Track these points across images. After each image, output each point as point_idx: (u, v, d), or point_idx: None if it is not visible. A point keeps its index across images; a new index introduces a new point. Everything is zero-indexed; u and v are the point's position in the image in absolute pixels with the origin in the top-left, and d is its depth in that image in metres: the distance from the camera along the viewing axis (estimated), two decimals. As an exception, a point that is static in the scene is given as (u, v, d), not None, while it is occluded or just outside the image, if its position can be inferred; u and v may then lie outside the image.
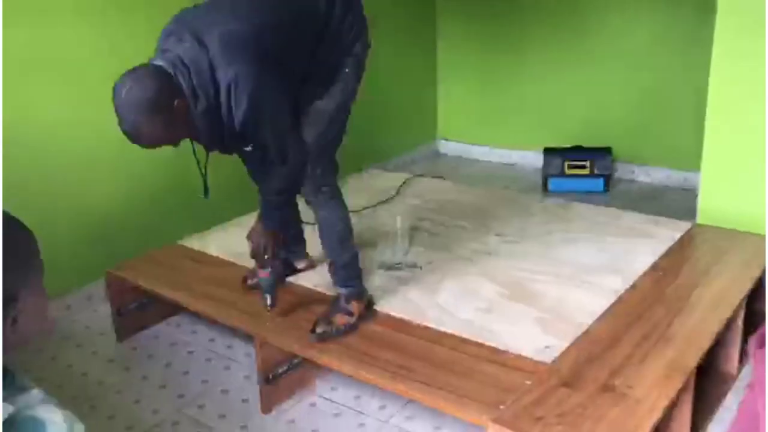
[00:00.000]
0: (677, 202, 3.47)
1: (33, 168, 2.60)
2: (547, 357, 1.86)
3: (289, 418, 2.09)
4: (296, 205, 2.33)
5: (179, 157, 3.09)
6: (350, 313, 2.07)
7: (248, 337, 2.28)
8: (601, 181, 3.77)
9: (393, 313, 2.13)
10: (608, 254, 2.46)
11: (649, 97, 3.81)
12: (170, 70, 1.70)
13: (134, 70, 1.70)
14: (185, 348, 2.50)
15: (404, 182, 3.32)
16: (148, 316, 2.61)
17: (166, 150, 3.02)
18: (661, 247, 2.47)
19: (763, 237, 2.50)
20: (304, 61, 1.90)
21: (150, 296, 2.51)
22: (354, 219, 2.83)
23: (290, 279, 2.38)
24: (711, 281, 2.22)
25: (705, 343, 1.88)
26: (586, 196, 3.55)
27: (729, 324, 2.05)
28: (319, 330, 2.02)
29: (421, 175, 3.52)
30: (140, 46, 2.88)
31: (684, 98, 3.59)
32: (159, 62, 1.73)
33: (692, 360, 1.80)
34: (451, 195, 3.15)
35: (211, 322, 2.50)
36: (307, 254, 2.47)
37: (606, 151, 3.81)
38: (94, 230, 2.82)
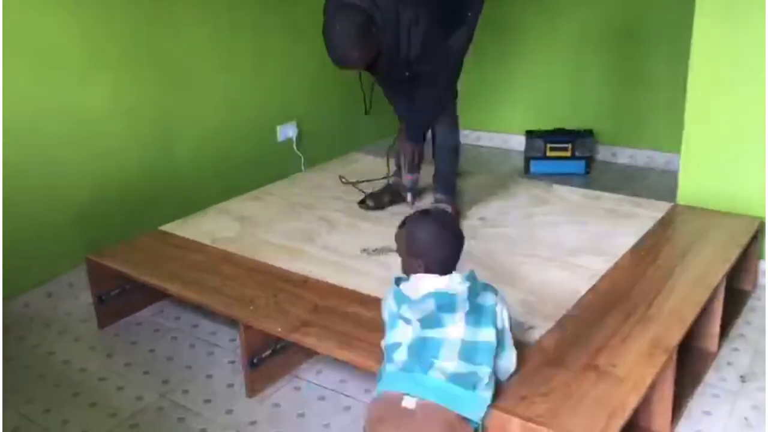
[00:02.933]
0: (658, 184, 3.50)
1: (9, 155, 2.56)
2: (531, 338, 1.87)
3: (274, 402, 2.09)
4: None
5: (159, 144, 3.08)
6: (453, 212, 2.55)
7: (232, 322, 2.27)
8: (582, 163, 3.80)
9: (377, 296, 2.13)
10: (590, 235, 2.47)
11: (631, 79, 3.82)
12: (365, 6, 2.16)
13: (337, 11, 2.16)
14: (168, 334, 2.49)
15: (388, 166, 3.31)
16: (130, 303, 2.59)
17: (146, 136, 3.03)
18: (642, 228, 2.49)
19: (742, 217, 2.53)
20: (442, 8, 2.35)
21: (132, 282, 2.49)
22: (338, 204, 2.86)
23: (272, 262, 2.37)
24: (691, 261, 2.24)
25: (686, 321, 1.90)
26: (568, 178, 3.57)
27: (709, 302, 2.07)
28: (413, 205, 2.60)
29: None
30: (115, 31, 2.87)
31: (665, 80, 3.61)
32: (355, 1, 2.16)
33: (674, 338, 1.82)
34: (430, 178, 3.14)
35: (195, 308, 2.49)
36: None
37: (587, 134, 3.82)
38: (74, 216, 2.79)
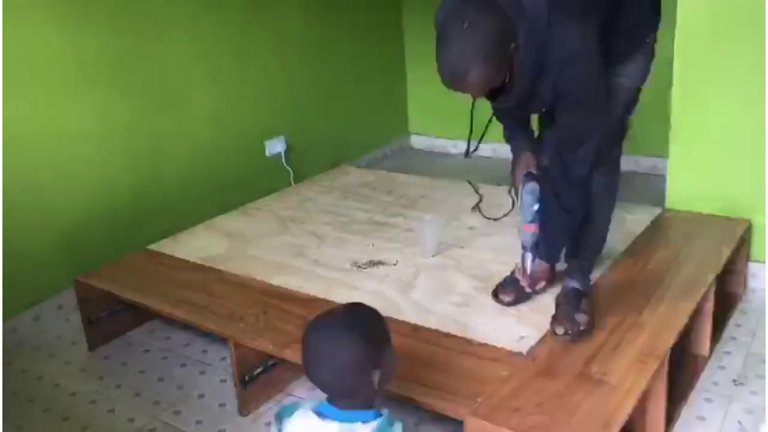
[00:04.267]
0: (646, 188, 3.49)
1: (-5, 177, 2.55)
2: (523, 347, 1.86)
3: (267, 420, 2.07)
4: None
5: (146, 162, 3.07)
6: (586, 313, 1.83)
7: (223, 341, 2.26)
8: (571, 170, 3.80)
9: (368, 310, 2.12)
10: (580, 243, 2.47)
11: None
12: (503, 6, 1.47)
13: (471, 4, 1.47)
14: (159, 354, 2.47)
15: (375, 178, 3.32)
16: (120, 324, 2.57)
17: (134, 155, 3.01)
18: (632, 234, 2.50)
19: (730, 219, 2.54)
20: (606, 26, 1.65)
21: (121, 303, 2.47)
22: (327, 218, 2.86)
23: (261, 278, 2.36)
24: (681, 265, 2.24)
25: (677, 327, 1.90)
26: (557, 185, 3.57)
27: (700, 307, 2.07)
28: (559, 332, 1.80)
29: (392, 171, 3.52)
30: (102, 49, 2.86)
31: (650, 86, 3.62)
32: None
33: (665, 344, 1.82)
34: (422, 190, 3.15)
35: (185, 327, 2.47)
36: None
37: (575, 141, 3.83)
38: (62, 237, 2.77)
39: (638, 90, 1.87)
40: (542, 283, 1.91)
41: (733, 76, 2.50)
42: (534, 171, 1.87)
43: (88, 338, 2.51)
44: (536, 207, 1.82)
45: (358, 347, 1.30)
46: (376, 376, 1.31)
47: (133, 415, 2.13)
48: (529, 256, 1.87)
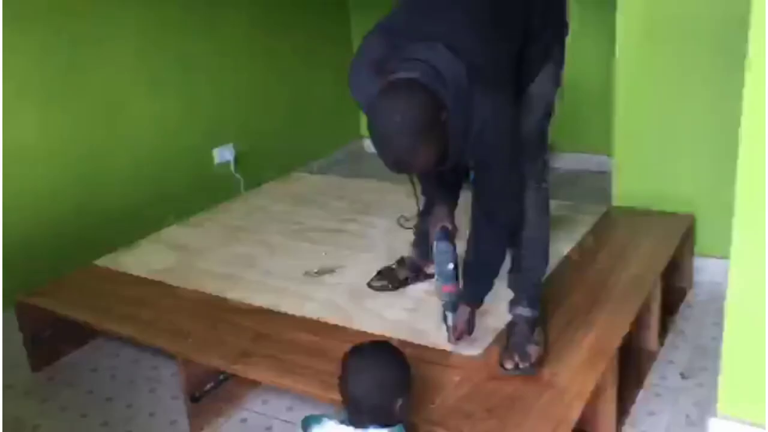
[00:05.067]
0: (592, 186, 3.55)
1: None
2: (475, 350, 1.86)
3: (220, 436, 2.04)
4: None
5: (89, 174, 2.98)
6: (538, 343, 1.78)
7: (173, 356, 2.20)
8: (520, 170, 3.83)
9: (320, 319, 2.10)
10: (529, 243, 2.49)
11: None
12: (425, 81, 1.43)
13: (394, 89, 1.43)
14: (107, 372, 2.40)
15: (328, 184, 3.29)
16: (65, 343, 2.49)
17: (76, 169, 2.92)
18: (579, 233, 2.53)
19: (675, 214, 2.59)
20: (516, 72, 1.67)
21: (66, 321, 2.39)
22: (278, 227, 2.82)
23: (210, 291, 2.31)
24: (628, 262, 2.28)
25: (625, 324, 1.93)
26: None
27: (647, 303, 2.11)
28: (508, 366, 1.73)
29: (345, 176, 3.50)
30: (38, 61, 2.77)
31: (592, 83, 3.68)
32: (412, 74, 1.44)
33: (614, 343, 1.84)
34: (376, 194, 3.13)
35: (134, 344, 2.40)
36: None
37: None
38: (2, 255, 2.67)
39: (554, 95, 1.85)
40: (466, 336, 1.87)
41: (672, 75, 2.55)
42: (449, 225, 1.81)
43: (31, 359, 2.42)
44: (451, 266, 1.75)
45: (398, 371, 1.50)
46: (398, 404, 1.46)
47: (80, 438, 2.07)
48: (450, 316, 1.82)
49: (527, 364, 1.73)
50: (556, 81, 1.80)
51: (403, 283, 2.23)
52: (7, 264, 2.68)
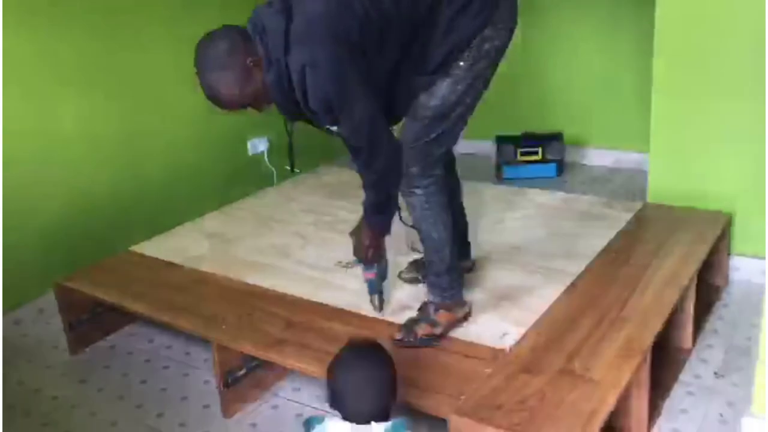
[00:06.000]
0: (628, 184, 3.52)
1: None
2: (506, 344, 1.86)
3: (251, 421, 2.06)
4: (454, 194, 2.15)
5: (126, 163, 3.04)
6: (434, 324, 1.93)
7: (206, 342, 2.24)
8: (553, 166, 3.81)
9: (352, 310, 2.12)
10: (562, 238, 2.48)
11: (598, 81, 3.85)
12: (250, 32, 1.67)
13: (211, 32, 1.70)
14: (142, 357, 2.45)
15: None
16: (102, 327, 2.55)
17: (114, 156, 2.98)
18: (614, 229, 2.51)
19: (711, 213, 2.56)
20: (396, 52, 1.72)
21: (103, 306, 2.44)
22: (310, 218, 2.84)
23: (244, 279, 2.34)
24: (663, 259, 2.25)
25: (659, 321, 1.91)
26: (540, 181, 3.59)
27: (681, 301, 2.08)
28: (397, 336, 1.92)
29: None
30: (81, 50, 2.83)
31: (631, 81, 3.64)
32: (241, 26, 1.71)
33: (647, 339, 1.82)
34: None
35: (168, 329, 2.45)
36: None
37: (557, 137, 3.84)
38: (43, 240, 2.74)
39: (455, 113, 1.86)
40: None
41: (712, 72, 2.51)
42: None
43: (70, 342, 2.48)
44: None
45: (391, 369, 1.51)
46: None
47: (116, 419, 2.11)
48: (376, 298, 2.06)
49: (410, 339, 1.91)
50: (451, 97, 1.81)
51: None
52: (47, 248, 2.75)
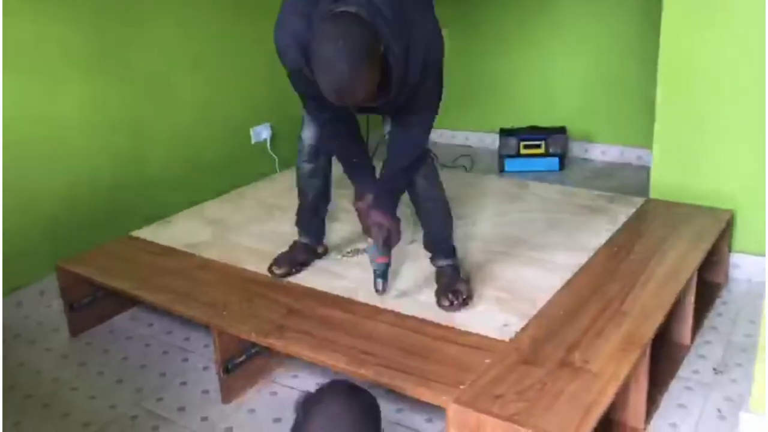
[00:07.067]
0: (631, 179, 3.52)
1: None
2: (506, 335, 1.87)
3: (250, 407, 2.07)
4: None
5: (129, 148, 3.03)
6: (467, 282, 2.08)
7: (205, 328, 2.24)
8: (556, 160, 3.81)
9: (353, 298, 2.12)
10: (563, 232, 2.48)
11: (602, 76, 3.85)
12: (364, 15, 1.55)
13: (334, 22, 1.53)
14: (141, 341, 2.45)
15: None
16: (102, 310, 2.55)
17: (117, 141, 2.98)
18: (615, 223, 2.51)
19: (713, 209, 2.56)
20: None
21: (103, 289, 2.45)
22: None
23: (245, 265, 2.35)
24: (664, 255, 2.25)
25: (659, 315, 1.91)
26: (542, 175, 3.59)
27: (682, 296, 2.09)
28: (445, 303, 2.00)
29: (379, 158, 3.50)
30: (84, 35, 2.83)
31: (636, 76, 3.63)
32: (351, 8, 1.55)
33: (647, 333, 1.83)
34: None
35: (168, 314, 2.45)
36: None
37: (560, 131, 3.84)
38: (45, 224, 2.74)
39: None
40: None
41: (715, 68, 2.51)
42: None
43: (70, 324, 2.49)
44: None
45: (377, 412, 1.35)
46: None
47: (115, 402, 2.12)
48: (380, 282, 2.06)
49: (461, 299, 1.99)
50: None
51: (304, 265, 2.30)
52: (49, 230, 2.75)
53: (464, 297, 2.01)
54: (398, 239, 2.02)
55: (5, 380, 2.26)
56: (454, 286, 2.04)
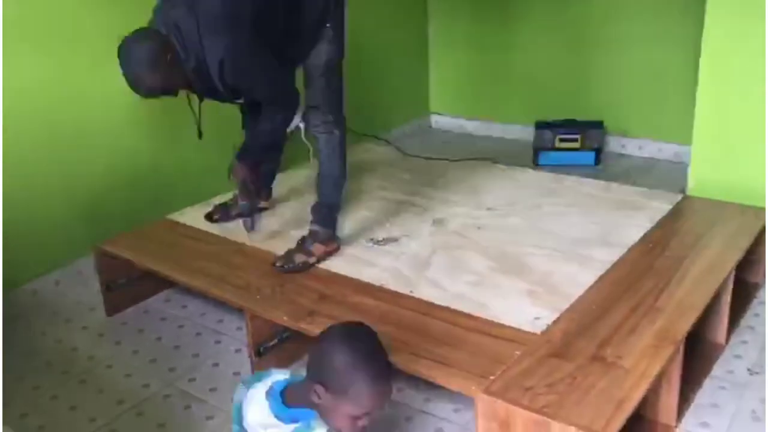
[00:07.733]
0: (668, 175, 3.46)
1: (19, 143, 2.57)
2: (537, 328, 1.86)
3: (280, 390, 2.09)
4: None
5: (167, 131, 3.07)
6: (310, 254, 2.26)
7: (238, 311, 2.27)
8: (592, 154, 3.77)
9: (384, 286, 2.13)
10: (598, 226, 2.46)
11: (641, 70, 3.78)
12: (164, 31, 2.01)
13: (134, 34, 2.02)
14: (175, 322, 2.50)
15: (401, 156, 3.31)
16: (138, 291, 2.60)
17: (155, 125, 3.02)
18: (652, 219, 2.48)
19: (752, 208, 2.51)
20: (280, 24, 2.13)
21: (140, 271, 2.49)
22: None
23: (279, 251, 2.37)
24: (700, 252, 2.22)
25: (694, 313, 1.89)
26: (577, 169, 3.55)
27: (718, 294, 2.06)
28: (277, 264, 2.24)
29: (412, 150, 3.51)
30: (126, 17, 2.86)
31: (675, 71, 3.57)
32: (156, 25, 2.05)
33: (681, 330, 1.81)
34: (441, 170, 3.14)
35: (202, 297, 2.49)
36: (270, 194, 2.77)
37: (597, 125, 3.79)
38: (84, 204, 2.80)
39: (329, 75, 2.33)
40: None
41: (758, 67, 2.45)
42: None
43: (106, 304, 2.54)
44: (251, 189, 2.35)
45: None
46: (319, 390, 1.41)
47: (149, 381, 2.16)
48: (247, 221, 2.39)
49: (288, 267, 2.22)
50: (332, 57, 2.30)
51: (234, 216, 2.58)
52: (88, 211, 2.80)
53: (291, 266, 2.22)
54: (254, 186, 2.34)
55: (43, 356, 2.32)
56: (296, 252, 2.26)
